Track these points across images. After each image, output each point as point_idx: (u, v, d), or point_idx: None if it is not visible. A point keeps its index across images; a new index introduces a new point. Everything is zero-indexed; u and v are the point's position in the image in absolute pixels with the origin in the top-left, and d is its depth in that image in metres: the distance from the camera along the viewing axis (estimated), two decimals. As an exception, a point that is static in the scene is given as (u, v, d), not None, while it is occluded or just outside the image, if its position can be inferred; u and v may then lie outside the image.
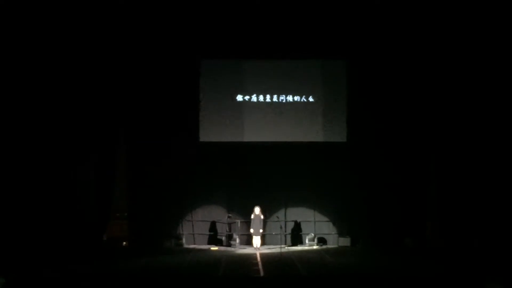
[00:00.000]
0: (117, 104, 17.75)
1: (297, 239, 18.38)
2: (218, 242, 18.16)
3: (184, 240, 17.98)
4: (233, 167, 18.29)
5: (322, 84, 18.35)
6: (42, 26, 15.19)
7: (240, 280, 12.71)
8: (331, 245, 18.18)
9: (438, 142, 17.62)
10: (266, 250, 17.18)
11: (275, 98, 18.34)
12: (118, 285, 12.09)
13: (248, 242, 17.83)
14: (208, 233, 18.38)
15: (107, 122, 17.40)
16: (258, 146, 18.19)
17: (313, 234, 18.16)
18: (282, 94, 18.33)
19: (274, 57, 18.16)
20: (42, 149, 15.53)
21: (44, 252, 14.68)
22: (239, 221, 17.94)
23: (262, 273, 13.30)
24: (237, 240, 17.77)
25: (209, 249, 17.52)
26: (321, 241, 18.20)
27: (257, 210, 17.12)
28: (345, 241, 18.02)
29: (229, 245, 17.86)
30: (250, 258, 15.62)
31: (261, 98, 18.33)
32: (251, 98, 18.32)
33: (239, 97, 18.30)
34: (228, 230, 18.18)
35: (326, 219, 18.47)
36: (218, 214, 18.39)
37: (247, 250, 17.17)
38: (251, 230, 17.21)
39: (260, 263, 14.62)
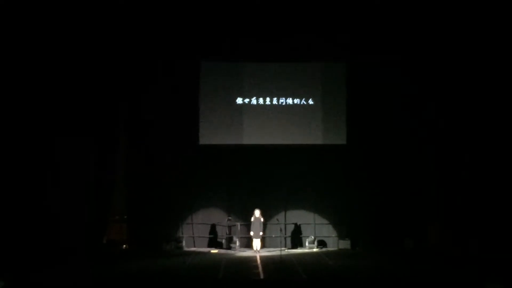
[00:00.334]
0: (117, 106, 17.77)
1: (297, 241, 18.38)
2: (218, 245, 18.16)
3: (184, 243, 17.97)
4: (233, 170, 18.32)
5: (322, 87, 18.37)
6: (41, 26, 15.17)
7: (240, 282, 12.70)
8: (331, 247, 18.18)
9: (438, 143, 17.61)
10: (266, 252, 17.17)
11: (275, 101, 18.36)
12: (118, 288, 12.10)
13: (248, 245, 17.84)
14: (208, 236, 18.39)
15: (107, 124, 17.39)
16: (258, 148, 18.22)
17: (313, 237, 18.16)
18: (282, 96, 18.35)
19: (274, 60, 18.20)
20: (42, 151, 15.50)
21: (43, 254, 14.65)
22: (239, 223, 17.94)
23: (262, 276, 13.27)
24: (237, 243, 17.76)
25: (209, 252, 17.51)
26: (321, 243, 18.20)
27: (257, 212, 17.14)
28: (345, 244, 18.01)
29: (229, 248, 17.85)
30: (250, 261, 15.60)
31: (261, 100, 18.35)
32: (251, 100, 18.34)
33: (239, 100, 18.32)
34: (228, 233, 18.17)
35: (326, 221, 18.48)
36: (218, 216, 18.39)
37: (247, 253, 17.16)
38: (251, 233, 17.22)
39: (260, 266, 14.60)
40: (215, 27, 16.96)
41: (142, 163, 18.11)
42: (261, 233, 17.22)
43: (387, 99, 18.09)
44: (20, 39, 14.90)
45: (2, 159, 14.78)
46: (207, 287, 12.32)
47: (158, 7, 16.11)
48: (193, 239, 18.34)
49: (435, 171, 17.73)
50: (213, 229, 18.40)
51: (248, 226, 17.60)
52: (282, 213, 18.40)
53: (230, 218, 18.13)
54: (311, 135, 18.29)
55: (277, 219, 17.89)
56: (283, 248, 16.91)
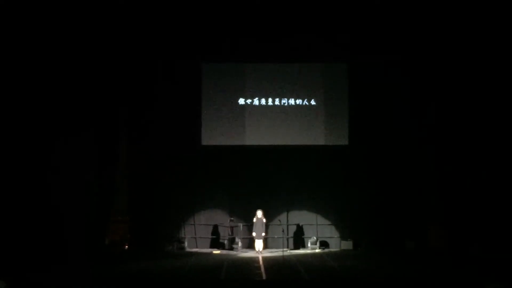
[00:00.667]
0: (119, 107, 17.79)
1: (299, 242, 18.35)
2: (220, 246, 18.15)
3: (186, 244, 17.96)
4: (235, 171, 18.30)
5: (324, 88, 18.36)
6: (42, 27, 15.18)
7: (242, 283, 12.72)
8: (333, 248, 18.15)
9: (439, 144, 17.58)
10: (268, 253, 17.16)
11: (277, 102, 18.35)
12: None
13: (250, 245, 17.82)
14: (210, 236, 18.37)
15: (109, 126, 17.41)
16: (260, 149, 18.20)
17: (315, 238, 18.13)
18: (284, 97, 18.34)
19: (275, 60, 18.19)
20: (43, 151, 15.51)
21: (45, 255, 14.66)
22: (241, 224, 17.93)
23: (264, 277, 13.29)
24: (239, 244, 17.74)
25: (211, 253, 17.51)
26: (323, 244, 18.17)
27: (259, 213, 17.13)
28: (347, 245, 17.98)
29: (231, 248, 17.83)
30: (252, 261, 15.60)
31: (263, 101, 18.34)
32: (253, 101, 18.33)
33: (241, 101, 18.31)
34: (230, 234, 18.14)
35: (328, 222, 18.45)
36: (220, 217, 18.38)
37: (249, 254, 17.14)
38: (253, 234, 17.22)
39: (262, 267, 14.60)
40: (216, 28, 16.94)
41: (144, 164, 18.10)
42: (263, 234, 17.20)
43: (388, 99, 18.05)
44: (21, 40, 14.91)
45: (3, 160, 14.80)
46: (209, 288, 12.34)
47: (159, 8, 16.10)
48: (195, 240, 18.32)
49: (436, 172, 17.69)
50: (215, 230, 18.39)
51: (250, 227, 17.59)
52: (284, 214, 18.37)
53: (232, 219, 18.11)
54: (313, 136, 18.27)
55: (279, 220, 17.87)
56: (285, 249, 16.88)
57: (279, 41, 17.46)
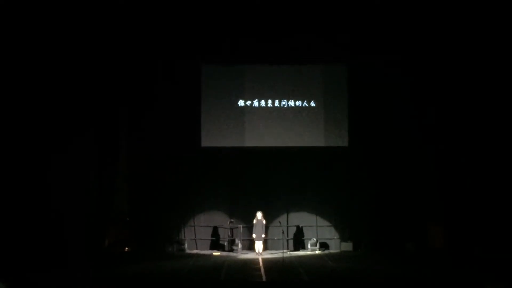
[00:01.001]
0: (119, 108, 17.78)
1: (299, 244, 18.34)
2: (220, 247, 18.13)
3: (186, 245, 17.94)
4: (235, 172, 18.29)
5: (324, 89, 18.36)
6: (42, 28, 15.17)
7: (242, 285, 12.70)
8: (333, 250, 18.13)
9: (440, 146, 17.57)
10: (268, 255, 17.14)
11: (276, 103, 18.35)
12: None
13: (250, 247, 17.80)
14: (210, 238, 18.35)
15: (109, 126, 17.40)
16: (260, 151, 18.20)
17: (315, 239, 18.11)
18: (283, 99, 18.35)
19: (275, 62, 18.20)
20: (42, 152, 15.50)
21: (45, 257, 14.64)
22: (241, 226, 17.91)
23: (264, 278, 13.27)
24: (239, 245, 17.73)
25: (211, 254, 17.49)
26: (323, 246, 18.16)
27: (259, 215, 17.12)
28: (347, 246, 17.97)
29: (231, 250, 17.81)
30: (252, 263, 15.58)
31: (262, 103, 18.34)
32: (252, 103, 18.34)
33: (241, 102, 18.32)
34: (230, 235, 18.13)
35: (328, 224, 18.44)
36: (220, 219, 18.36)
37: (249, 255, 17.12)
38: (253, 235, 17.20)
39: (262, 268, 14.58)
40: (216, 29, 16.95)
41: (144, 166, 18.10)
42: (263, 236, 17.18)
43: (388, 101, 18.05)
44: (21, 40, 14.90)
45: (3, 161, 14.79)
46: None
47: (159, 8, 16.11)
48: (195, 242, 18.30)
49: (436, 173, 17.68)
50: (215, 232, 18.37)
51: (250, 228, 17.57)
52: (284, 216, 18.36)
53: (232, 220, 18.10)
54: (313, 137, 18.26)
55: (279, 222, 17.86)
56: (285, 251, 16.86)
57: (279, 41, 17.45)
